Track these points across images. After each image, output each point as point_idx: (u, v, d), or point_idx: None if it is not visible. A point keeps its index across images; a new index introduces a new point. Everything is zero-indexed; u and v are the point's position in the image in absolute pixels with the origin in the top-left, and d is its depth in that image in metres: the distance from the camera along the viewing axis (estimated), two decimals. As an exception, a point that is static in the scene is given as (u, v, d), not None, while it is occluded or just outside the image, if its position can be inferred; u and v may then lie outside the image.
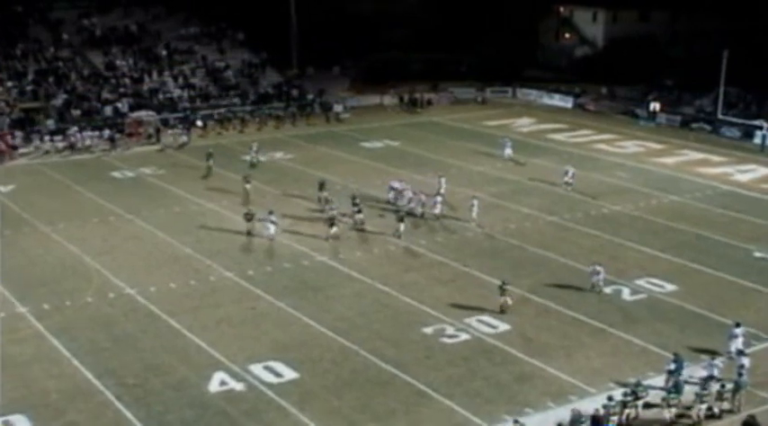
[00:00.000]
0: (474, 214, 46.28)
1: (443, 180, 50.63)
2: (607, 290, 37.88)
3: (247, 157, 59.37)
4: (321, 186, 50.04)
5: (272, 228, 44.05)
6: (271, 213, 44.51)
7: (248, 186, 50.58)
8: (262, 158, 60.00)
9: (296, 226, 46.30)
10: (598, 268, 38.08)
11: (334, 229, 44.20)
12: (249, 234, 44.60)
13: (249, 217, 45.04)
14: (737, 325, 32.56)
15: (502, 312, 35.63)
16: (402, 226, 44.61)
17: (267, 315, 36.07)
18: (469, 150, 63.07)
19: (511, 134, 66.07)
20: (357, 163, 60.06)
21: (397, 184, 49.87)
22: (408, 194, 48.47)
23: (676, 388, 28.91)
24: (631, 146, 64.99)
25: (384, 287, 38.70)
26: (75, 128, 65.54)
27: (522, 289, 37.80)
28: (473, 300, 37.12)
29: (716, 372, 30.04)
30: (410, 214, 46.87)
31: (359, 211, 46.01)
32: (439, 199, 47.77)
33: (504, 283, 36.23)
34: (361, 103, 79.81)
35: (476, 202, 46.57)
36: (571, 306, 36.56)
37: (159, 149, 64.09)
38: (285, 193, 51.75)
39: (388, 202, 49.11)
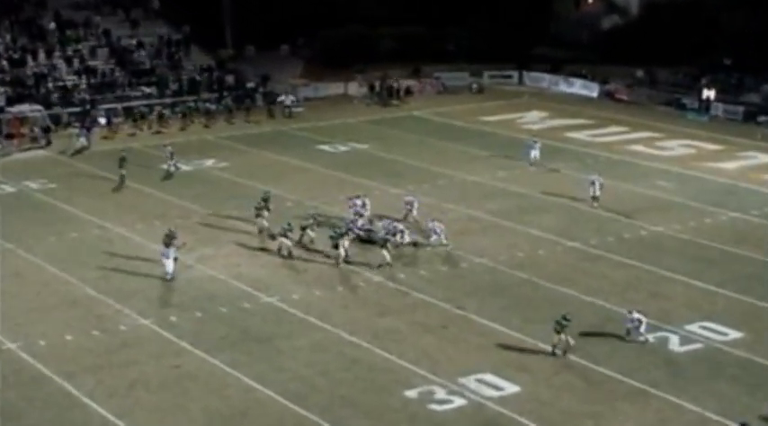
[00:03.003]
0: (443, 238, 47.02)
1: (414, 201, 50.88)
2: (648, 338, 38.08)
3: (165, 166, 59.50)
4: (265, 202, 49.90)
5: (170, 265, 43.57)
6: (168, 246, 44.03)
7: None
8: (184, 166, 60.07)
9: (233, 258, 46.33)
10: (637, 315, 38.06)
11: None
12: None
13: (168, 241, 44.73)
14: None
15: (565, 354, 36.35)
16: (387, 254, 44.78)
17: (196, 375, 35.90)
18: (462, 154, 63.52)
19: (518, 132, 66.45)
20: (313, 172, 60.25)
21: (358, 202, 49.90)
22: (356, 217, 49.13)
23: None
24: (677, 147, 65.70)
25: (352, 336, 38.68)
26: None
27: (534, 339, 37.93)
28: (470, 353, 37.20)
29: None
30: (363, 239, 47.21)
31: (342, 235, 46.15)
32: (400, 226, 48.06)
33: (565, 317, 36.52)
34: (319, 93, 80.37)
35: (436, 227, 47.22)
36: (600, 360, 36.67)
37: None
38: (216, 214, 51.68)
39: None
